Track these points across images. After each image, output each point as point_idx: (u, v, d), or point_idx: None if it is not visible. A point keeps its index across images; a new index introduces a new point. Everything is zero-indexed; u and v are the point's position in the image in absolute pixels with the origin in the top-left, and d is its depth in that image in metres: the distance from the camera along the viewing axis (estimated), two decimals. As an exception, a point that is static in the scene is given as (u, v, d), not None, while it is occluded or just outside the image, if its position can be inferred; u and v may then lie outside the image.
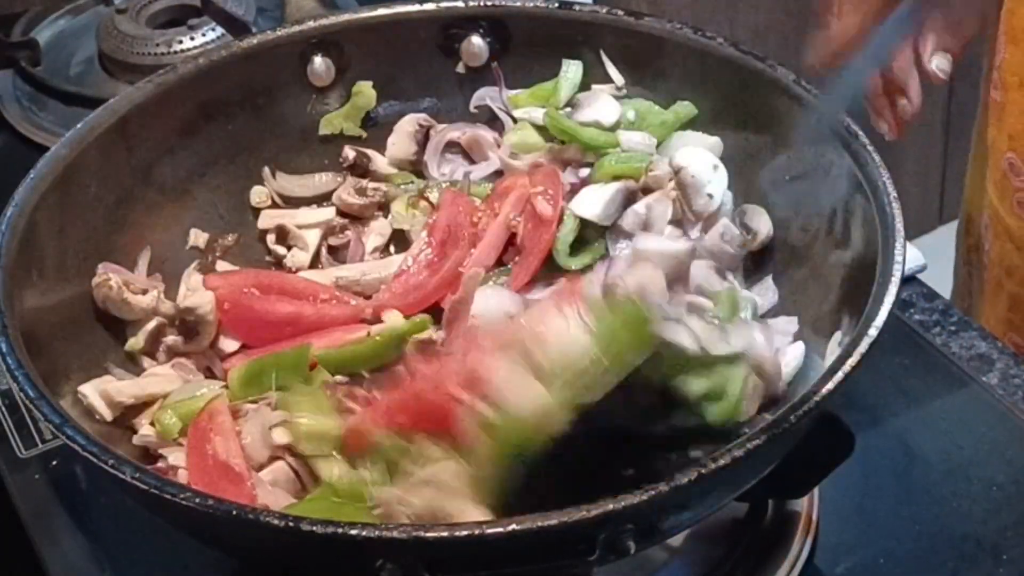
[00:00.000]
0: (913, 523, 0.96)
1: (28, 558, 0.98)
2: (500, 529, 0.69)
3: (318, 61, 1.09)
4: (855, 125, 0.94)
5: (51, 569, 0.97)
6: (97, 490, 1.01)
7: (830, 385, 0.77)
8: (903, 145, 2.18)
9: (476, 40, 1.11)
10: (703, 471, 0.71)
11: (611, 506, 0.69)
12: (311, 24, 1.08)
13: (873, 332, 0.79)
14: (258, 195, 1.09)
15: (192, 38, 1.47)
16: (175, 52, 1.45)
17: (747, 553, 0.93)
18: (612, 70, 1.09)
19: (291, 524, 0.70)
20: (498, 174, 1.10)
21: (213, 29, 1.46)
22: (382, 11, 1.10)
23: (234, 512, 0.72)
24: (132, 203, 1.01)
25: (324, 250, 1.08)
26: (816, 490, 0.96)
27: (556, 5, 1.09)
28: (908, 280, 1.16)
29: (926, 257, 1.19)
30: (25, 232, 0.89)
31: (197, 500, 0.72)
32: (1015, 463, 1.00)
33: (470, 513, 0.77)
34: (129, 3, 1.52)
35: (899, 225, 0.86)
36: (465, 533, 0.69)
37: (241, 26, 1.40)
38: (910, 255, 1.14)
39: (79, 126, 0.97)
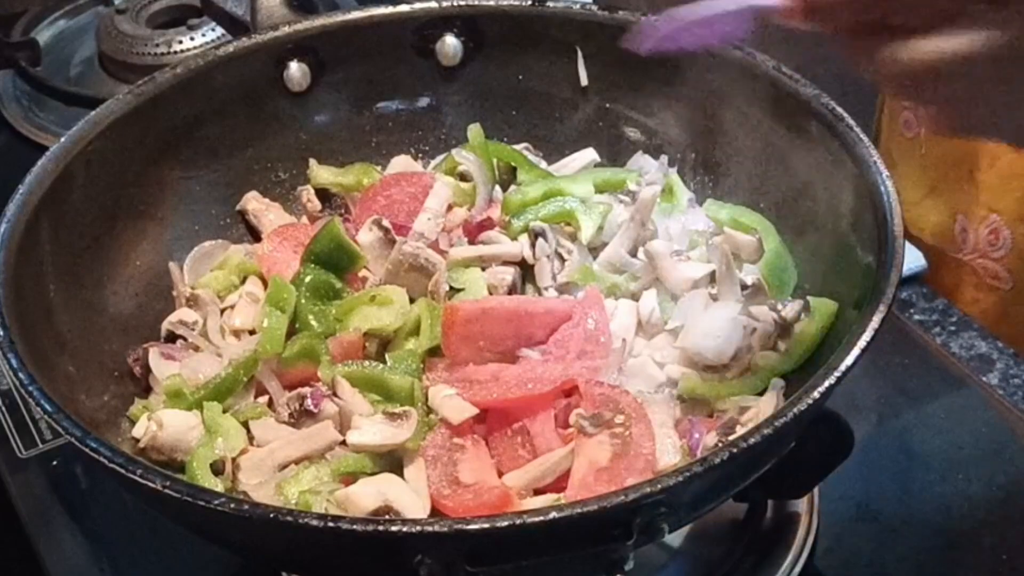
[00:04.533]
0: (913, 523, 0.97)
1: (28, 558, 0.98)
2: (541, 518, 0.69)
3: (294, 67, 1.08)
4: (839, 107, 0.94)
5: (51, 569, 0.97)
6: (97, 490, 1.02)
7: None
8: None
9: (450, 40, 1.10)
10: (735, 450, 0.72)
11: (648, 489, 0.70)
12: (285, 30, 1.07)
13: (872, 328, 0.79)
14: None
15: (192, 38, 1.47)
16: (175, 52, 1.45)
17: (747, 553, 0.93)
18: (581, 70, 1.09)
19: (330, 524, 0.70)
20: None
21: (213, 29, 1.46)
22: (356, 14, 1.09)
23: (271, 515, 0.71)
24: (120, 212, 1.01)
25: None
26: (816, 490, 0.96)
27: (528, 3, 1.09)
28: (908, 280, 1.16)
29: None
30: (20, 244, 0.89)
31: (232, 505, 0.71)
32: (1015, 463, 1.00)
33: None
34: (129, 3, 1.53)
35: (895, 202, 0.86)
36: (506, 523, 0.69)
37: (241, 26, 1.39)
38: (910, 255, 1.14)
39: (63, 139, 0.96)
